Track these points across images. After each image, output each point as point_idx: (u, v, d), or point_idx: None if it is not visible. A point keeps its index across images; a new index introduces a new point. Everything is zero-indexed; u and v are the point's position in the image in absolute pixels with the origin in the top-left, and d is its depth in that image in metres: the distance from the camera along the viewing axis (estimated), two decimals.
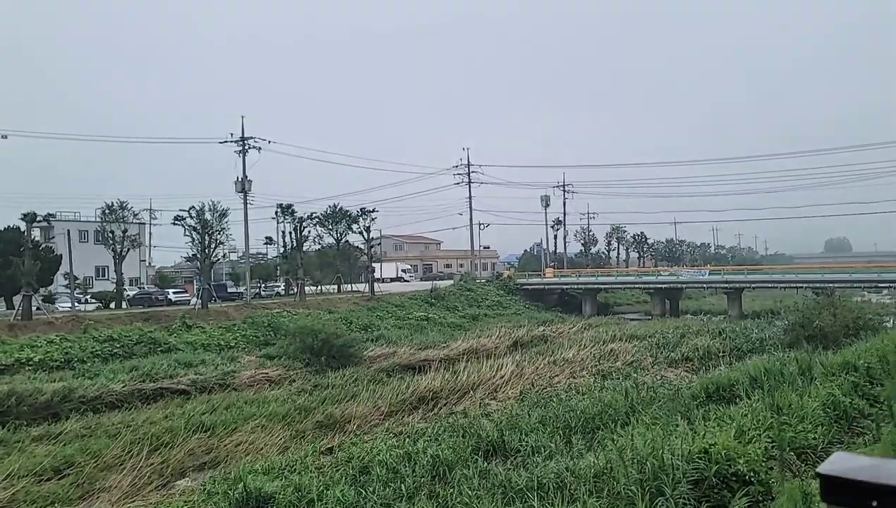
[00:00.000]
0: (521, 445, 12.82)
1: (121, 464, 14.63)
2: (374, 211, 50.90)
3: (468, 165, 67.24)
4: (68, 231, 35.17)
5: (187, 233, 36.29)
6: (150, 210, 67.37)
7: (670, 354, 26.67)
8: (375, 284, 61.18)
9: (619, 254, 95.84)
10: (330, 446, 15.16)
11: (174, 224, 36.05)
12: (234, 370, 25.69)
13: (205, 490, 11.56)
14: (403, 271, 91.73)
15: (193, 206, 36.40)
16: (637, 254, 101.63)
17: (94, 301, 42.36)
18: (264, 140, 42.26)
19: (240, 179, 41.32)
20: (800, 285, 50.84)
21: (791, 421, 10.49)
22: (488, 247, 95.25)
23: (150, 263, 74.13)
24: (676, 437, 9.20)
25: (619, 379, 22.87)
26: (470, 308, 53.75)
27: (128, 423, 17.90)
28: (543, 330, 42.23)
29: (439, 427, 15.62)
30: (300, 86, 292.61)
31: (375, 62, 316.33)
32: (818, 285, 47.31)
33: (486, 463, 11.93)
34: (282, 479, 11.85)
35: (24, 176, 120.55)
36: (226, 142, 41.10)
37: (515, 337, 38.51)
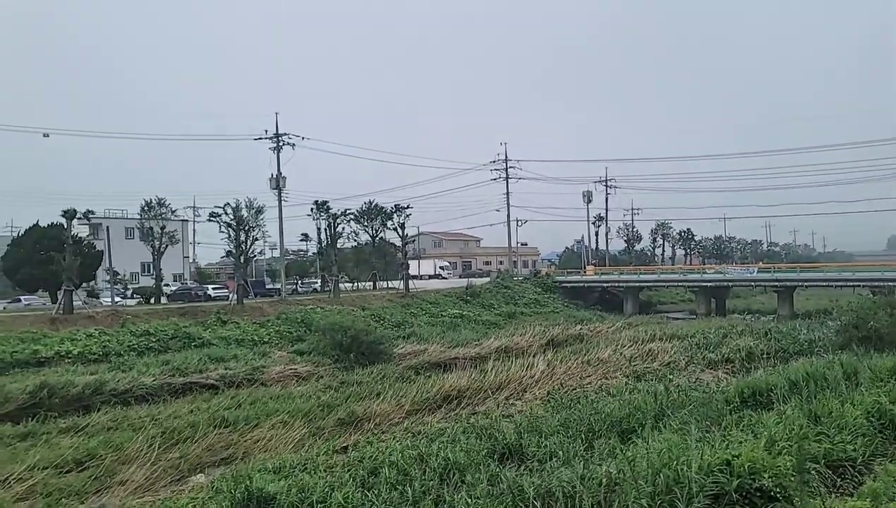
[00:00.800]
0: (538, 449, 12.22)
1: (141, 458, 14.68)
2: (408, 207, 50.75)
3: (506, 161, 66.44)
4: (107, 227, 36.11)
5: (223, 229, 36.78)
6: (194, 207, 68.80)
7: (709, 355, 25.45)
8: (413, 281, 60.98)
9: (664, 251, 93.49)
10: (346, 444, 14.85)
11: (210, 220, 36.62)
12: (263, 365, 25.80)
13: (213, 487, 11.38)
14: (441, 268, 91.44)
15: (228, 203, 36.92)
16: (683, 252, 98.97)
17: (136, 296, 43.47)
18: (298, 136, 42.63)
19: (274, 176, 41.73)
20: (856, 284, 48.31)
21: (829, 430, 9.62)
22: (525, 244, 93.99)
23: (194, 259, 75.96)
24: (697, 446, 8.50)
25: (653, 380, 21.96)
26: (506, 306, 53.04)
27: (154, 417, 18.04)
28: (580, 329, 41.25)
29: (458, 428, 15.14)
30: (336, 86, 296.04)
31: (409, 60, 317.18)
32: (877, 284, 44.85)
33: (499, 468, 11.39)
34: (290, 479, 11.58)
35: (67, 174, 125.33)
36: (260, 138, 41.60)
37: (550, 335, 37.72)
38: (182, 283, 52.03)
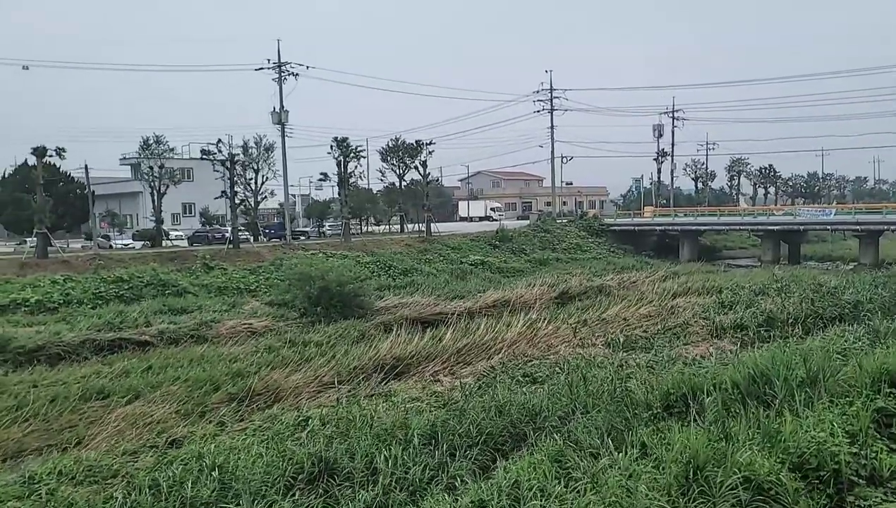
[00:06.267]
0: (364, 469, 9.11)
1: None
2: (430, 143, 46.98)
3: (551, 90, 60.59)
4: (85, 165, 34.92)
5: (216, 168, 34.70)
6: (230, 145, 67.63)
7: (721, 319, 21.02)
8: (460, 223, 57.50)
9: (739, 189, 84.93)
10: (182, 436, 12.34)
11: (202, 159, 34.55)
12: (215, 319, 23.77)
13: None
14: (492, 209, 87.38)
15: (220, 140, 34.72)
16: (764, 191, 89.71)
17: (140, 240, 42.81)
18: (302, 66, 39.52)
19: (276, 110, 39.03)
20: None
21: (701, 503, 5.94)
22: (571, 183, 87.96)
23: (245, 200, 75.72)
24: None
25: (639, 350, 18.16)
26: (542, 251, 49.01)
27: (35, 383, 16.24)
28: (609, 279, 36.87)
29: (324, 417, 12.30)
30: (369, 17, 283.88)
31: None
32: None
33: (297, 497, 8.47)
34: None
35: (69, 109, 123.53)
36: (261, 69, 38.79)
37: (567, 286, 33.73)
38: (205, 224, 51.30)
